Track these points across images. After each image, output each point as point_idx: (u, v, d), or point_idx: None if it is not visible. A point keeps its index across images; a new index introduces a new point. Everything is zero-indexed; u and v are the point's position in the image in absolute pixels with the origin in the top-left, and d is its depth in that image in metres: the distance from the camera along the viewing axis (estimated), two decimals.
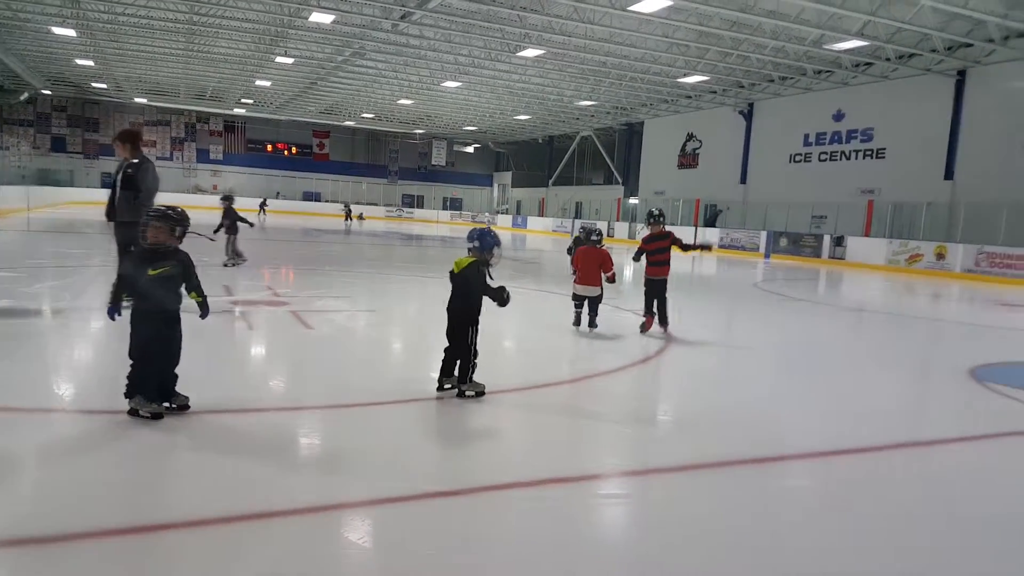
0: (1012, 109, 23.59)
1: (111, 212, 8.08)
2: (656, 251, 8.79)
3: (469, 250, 5.47)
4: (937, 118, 25.86)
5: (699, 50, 26.49)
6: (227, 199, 14.20)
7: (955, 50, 23.72)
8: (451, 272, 5.44)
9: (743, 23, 22.72)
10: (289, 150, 57.95)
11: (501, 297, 5.35)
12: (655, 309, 8.80)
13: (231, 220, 14.03)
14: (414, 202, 61.23)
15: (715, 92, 33.64)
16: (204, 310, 4.78)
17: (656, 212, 9.03)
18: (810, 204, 30.00)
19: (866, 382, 7.48)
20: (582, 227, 9.67)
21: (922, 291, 18.81)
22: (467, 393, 5.43)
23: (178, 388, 4.66)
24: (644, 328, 8.84)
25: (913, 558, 3.39)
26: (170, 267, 4.53)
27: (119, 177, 8.01)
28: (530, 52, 27.32)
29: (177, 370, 4.64)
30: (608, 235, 38.31)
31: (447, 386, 5.50)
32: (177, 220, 4.58)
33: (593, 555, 3.21)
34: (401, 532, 3.30)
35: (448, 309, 5.45)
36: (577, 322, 8.87)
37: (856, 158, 29.43)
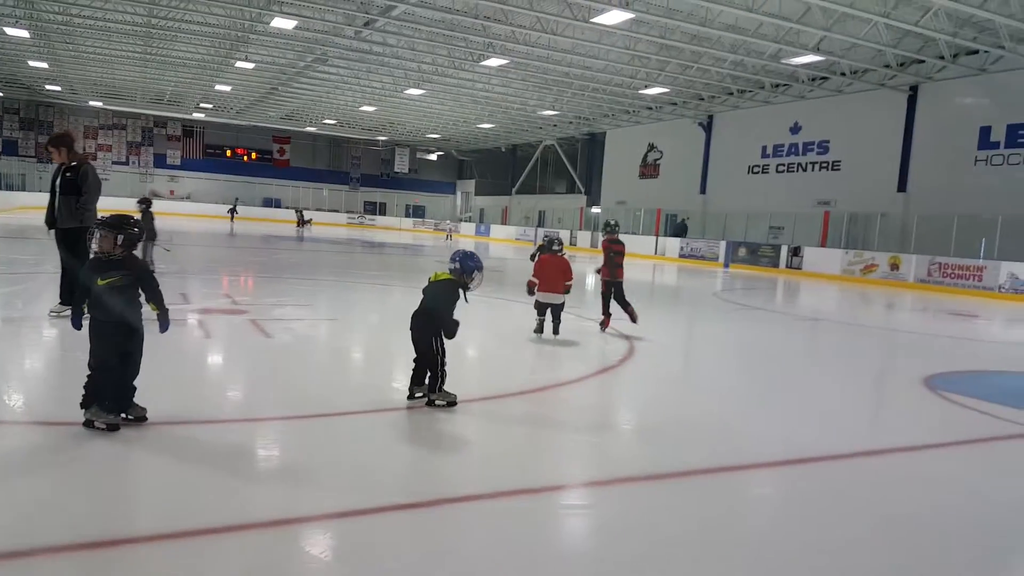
0: (961, 124, 24.36)
1: (52, 219, 7.86)
2: (616, 254, 9.63)
3: (450, 270, 5.50)
4: (890, 132, 26.58)
5: (660, 62, 26.87)
6: (144, 202, 13.03)
7: (907, 66, 24.43)
8: (428, 283, 5.54)
9: (703, 37, 23.11)
10: (249, 155, 57.21)
11: (452, 330, 5.33)
12: (610, 311, 9.56)
13: (148, 225, 13.11)
14: (376, 209, 60.86)
15: (675, 104, 34.13)
16: (163, 323, 4.58)
17: (613, 222, 10.11)
18: (768, 214, 30.58)
19: (823, 391, 7.62)
20: (545, 236, 9.90)
21: (877, 301, 19.27)
22: (437, 403, 5.39)
23: (136, 399, 4.55)
24: (603, 326, 9.53)
25: (874, 566, 3.45)
26: (119, 277, 4.36)
27: (58, 182, 7.81)
28: (493, 61, 27.41)
29: (135, 381, 4.53)
30: (571, 244, 38.57)
31: (418, 395, 5.47)
32: (119, 228, 4.39)
33: (559, 567, 3.21)
34: (366, 545, 3.25)
35: (413, 317, 5.45)
36: (540, 329, 8.93)
37: (813, 170, 30.09)
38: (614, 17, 20.79)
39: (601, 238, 10.55)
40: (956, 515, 4.17)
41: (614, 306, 9.63)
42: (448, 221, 52.02)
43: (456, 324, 5.35)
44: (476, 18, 22.49)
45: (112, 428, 4.36)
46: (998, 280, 21.06)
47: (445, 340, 5.39)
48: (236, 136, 55.65)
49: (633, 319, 9.65)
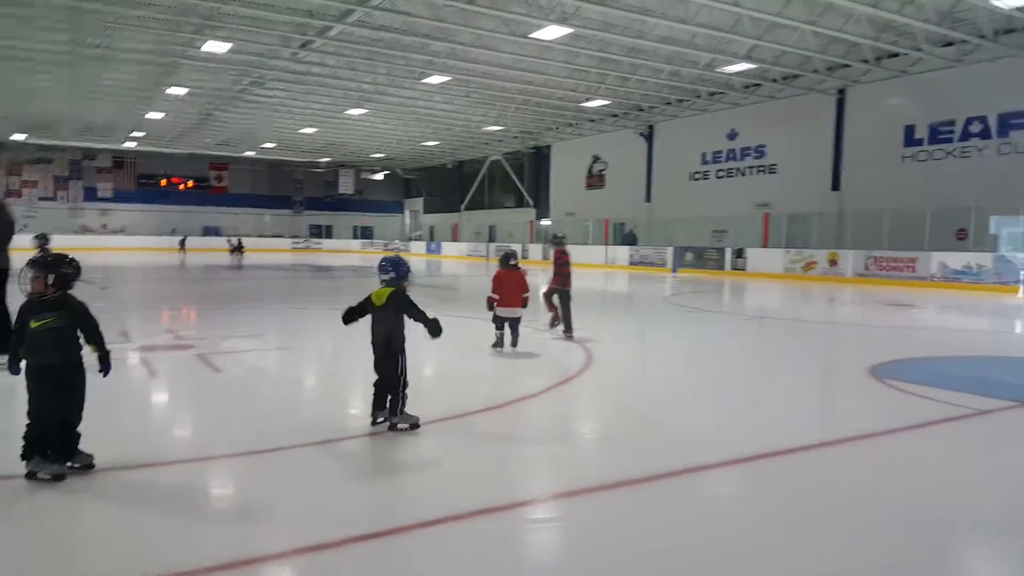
0: (887, 124, 25.33)
1: None
2: (564, 264, 10.36)
3: (384, 281, 5.40)
4: (822, 134, 27.48)
5: (599, 75, 27.26)
6: (41, 238, 12.64)
7: (835, 70, 25.30)
8: (371, 305, 5.37)
9: (640, 49, 23.53)
10: (185, 184, 55.79)
11: (436, 328, 5.33)
12: (560, 316, 10.29)
13: None
14: (322, 232, 60.06)
15: (617, 115, 34.64)
16: (104, 365, 4.39)
17: (560, 234, 10.90)
18: (711, 219, 31.20)
19: (776, 387, 7.78)
20: (501, 251, 10.16)
21: (819, 296, 19.82)
22: (400, 426, 5.33)
23: (81, 445, 4.36)
24: (553, 322, 10.41)
25: (843, 557, 3.51)
26: (53, 319, 4.18)
27: None
28: (435, 79, 27.42)
29: (79, 427, 4.34)
30: (523, 257, 38.62)
31: (380, 419, 5.40)
32: (49, 267, 4.22)
33: None
34: None
35: (373, 343, 5.37)
36: (499, 343, 9.02)
37: (751, 174, 30.87)
38: (552, 32, 21.02)
39: (551, 250, 10.99)
40: (915, 498, 4.28)
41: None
42: (396, 241, 51.70)
43: (437, 320, 5.34)
44: (415, 36, 22.47)
45: (57, 478, 4.18)
46: (930, 270, 21.92)
47: (407, 362, 5.35)
48: (171, 165, 54.22)
49: (567, 330, 10.12)
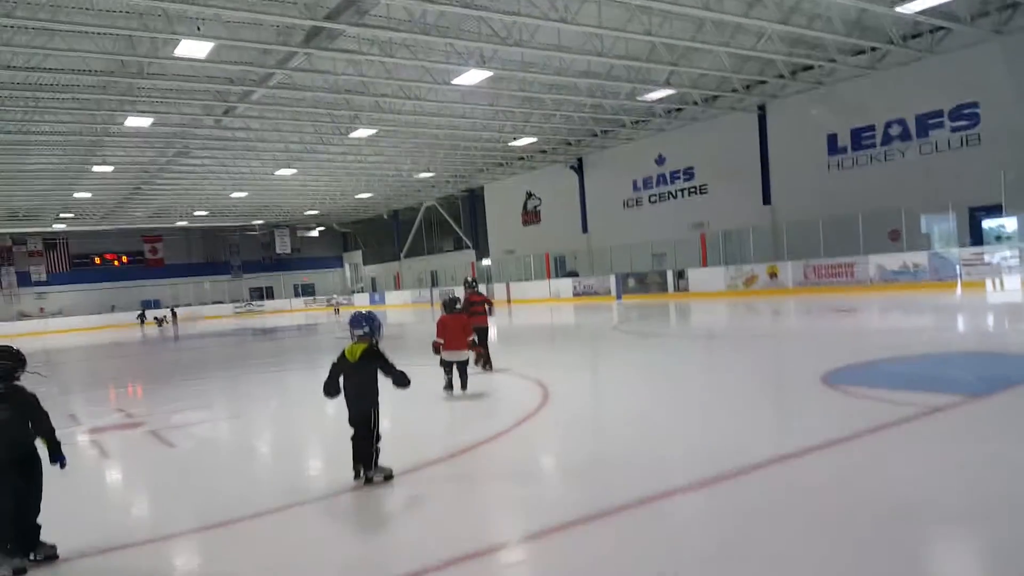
0: (810, 134, 26.20)
1: None
2: (478, 304, 11.20)
3: (357, 336, 5.45)
4: (747, 150, 28.34)
5: (524, 114, 27.72)
6: None
7: (753, 88, 26.24)
8: (345, 361, 5.41)
9: (561, 85, 24.06)
10: (119, 259, 54.39)
11: (405, 381, 5.44)
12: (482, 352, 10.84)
13: None
14: (263, 294, 58.99)
15: (545, 151, 35.21)
16: (54, 457, 4.29)
17: (471, 280, 12.26)
18: (649, 243, 31.74)
19: (732, 405, 7.87)
20: (443, 297, 10.34)
21: (763, 310, 20.28)
22: (375, 479, 5.33)
23: (42, 537, 4.19)
24: (477, 361, 10.66)
25: (816, 566, 3.54)
26: (1, 411, 4.08)
27: None
28: (362, 132, 27.47)
29: (38, 518, 4.18)
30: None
31: (362, 473, 5.40)
32: None
33: None
34: None
35: (347, 398, 5.40)
36: (449, 386, 9.13)
37: (682, 196, 31.61)
38: (473, 77, 21.36)
39: (467, 292, 11.73)
40: (880, 499, 4.36)
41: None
42: (334, 296, 51.14)
43: (404, 374, 5.44)
44: (338, 93, 22.54)
45: (19, 573, 4.02)
46: (868, 273, 22.64)
47: (380, 416, 5.39)
48: (103, 241, 52.84)
49: (486, 364, 10.86)
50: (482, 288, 13.26)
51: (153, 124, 24.16)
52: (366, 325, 5.48)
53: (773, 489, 4.79)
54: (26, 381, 4.38)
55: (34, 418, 4.23)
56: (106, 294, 52.20)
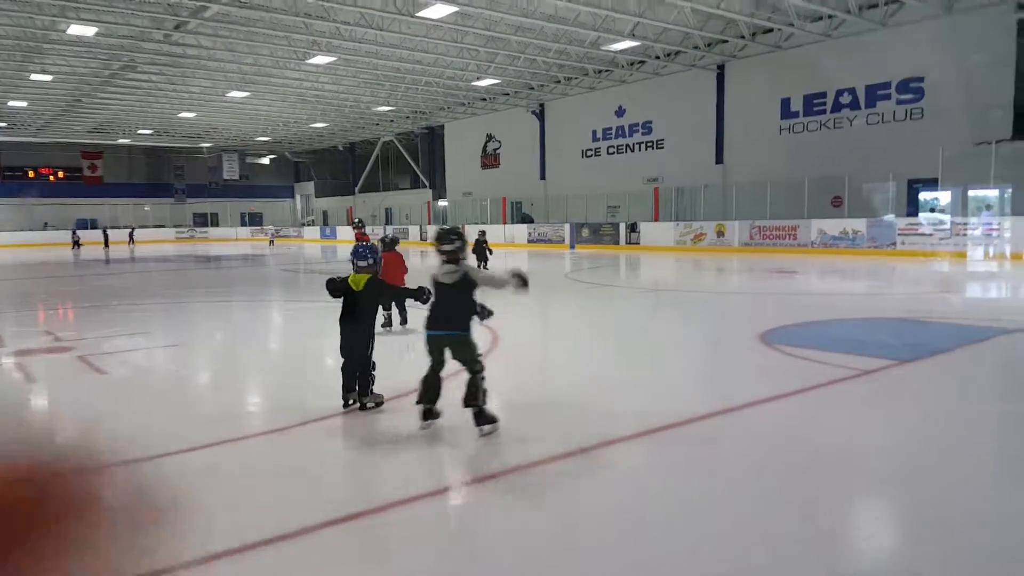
0: (765, 97, 26.55)
1: None
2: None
3: (360, 268, 5.64)
4: (704, 109, 28.51)
5: (488, 54, 27.20)
6: None
7: (714, 47, 26.25)
8: (349, 289, 5.55)
9: (527, 28, 23.64)
10: (55, 175, 52.07)
11: (424, 296, 5.24)
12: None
13: None
14: (207, 220, 57.45)
15: (508, 94, 34.72)
16: None
17: (358, 221, 13.17)
18: (604, 195, 31.89)
19: (674, 358, 8.08)
20: (384, 236, 10.62)
21: (709, 267, 20.67)
22: (368, 405, 5.58)
23: None
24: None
25: (751, 517, 3.70)
26: None
27: None
28: (320, 59, 26.59)
29: None
30: (421, 239, 38.42)
31: (352, 401, 5.60)
32: None
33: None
34: None
35: (344, 324, 5.59)
36: (388, 323, 9.44)
37: (639, 150, 31.71)
38: (439, 11, 20.79)
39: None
40: (811, 456, 4.57)
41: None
42: (270, 227, 50.21)
43: (424, 289, 5.27)
44: (297, 16, 21.70)
45: None
46: (810, 237, 23.24)
47: (375, 345, 5.61)
48: (39, 154, 50.44)
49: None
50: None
51: (97, 34, 22.96)
52: (370, 257, 5.71)
53: (709, 442, 4.96)
54: None
55: None
56: (39, 210, 50.09)
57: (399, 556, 3.37)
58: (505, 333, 9.07)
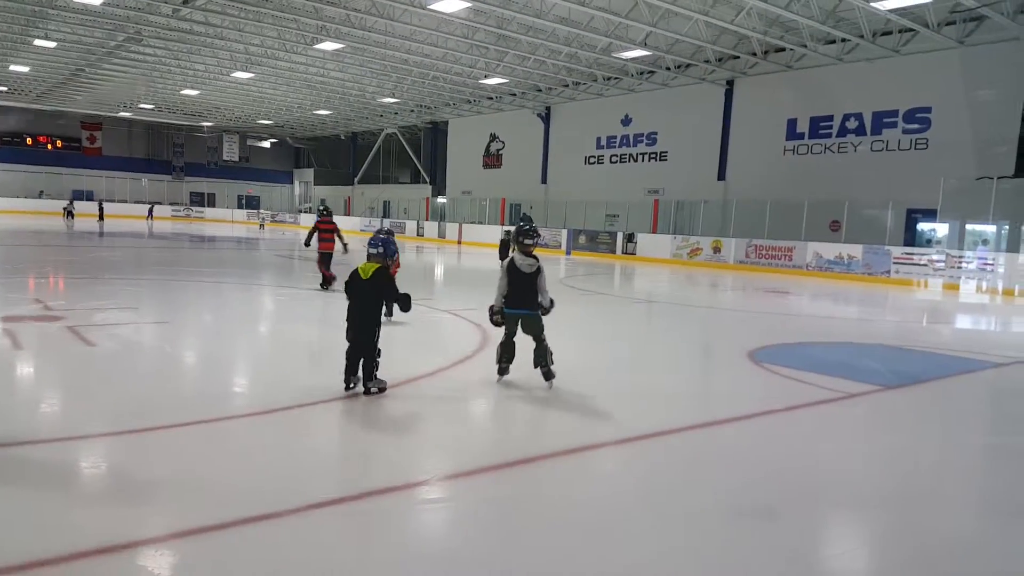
0: (772, 116, 26.59)
1: None
2: (326, 231, 12.99)
3: (371, 256, 5.85)
4: (710, 124, 28.54)
5: (498, 52, 27.16)
6: None
7: (725, 62, 26.29)
8: (357, 277, 5.75)
9: (539, 28, 23.61)
10: (53, 143, 51.62)
11: (408, 303, 5.80)
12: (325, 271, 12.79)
13: None
14: (204, 200, 57.11)
15: (515, 95, 34.68)
16: None
17: (322, 208, 13.82)
18: (604, 203, 31.88)
19: (660, 370, 8.05)
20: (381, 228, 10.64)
21: (702, 282, 20.67)
22: (372, 390, 5.72)
23: None
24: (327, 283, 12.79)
25: (720, 528, 3.67)
26: None
27: None
28: (328, 45, 26.48)
29: None
30: (418, 235, 38.34)
31: (352, 385, 5.74)
32: None
33: (416, 566, 3.14)
34: (213, 565, 3.03)
35: (353, 311, 5.75)
36: (388, 313, 9.25)
37: (642, 160, 31.73)
38: (451, 5, 20.73)
39: (318, 218, 13.35)
40: (787, 474, 4.53)
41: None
42: (261, 211, 50.06)
43: (408, 296, 5.82)
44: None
45: None
46: (806, 259, 23.28)
47: (380, 331, 5.75)
48: (38, 122, 50.04)
49: (327, 285, 12.70)
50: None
51: (105, 3, 22.82)
52: (380, 246, 5.95)
53: (687, 454, 4.95)
54: None
55: None
56: (35, 177, 49.67)
57: (393, 537, 3.32)
58: (495, 334, 9.01)
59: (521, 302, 6.33)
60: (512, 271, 6.31)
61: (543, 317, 6.37)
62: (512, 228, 10.48)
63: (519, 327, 6.35)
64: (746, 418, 5.83)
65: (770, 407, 6.19)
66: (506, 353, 6.45)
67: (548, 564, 3.23)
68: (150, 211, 45.68)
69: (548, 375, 6.37)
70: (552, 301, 6.42)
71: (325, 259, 13.02)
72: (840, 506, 4.22)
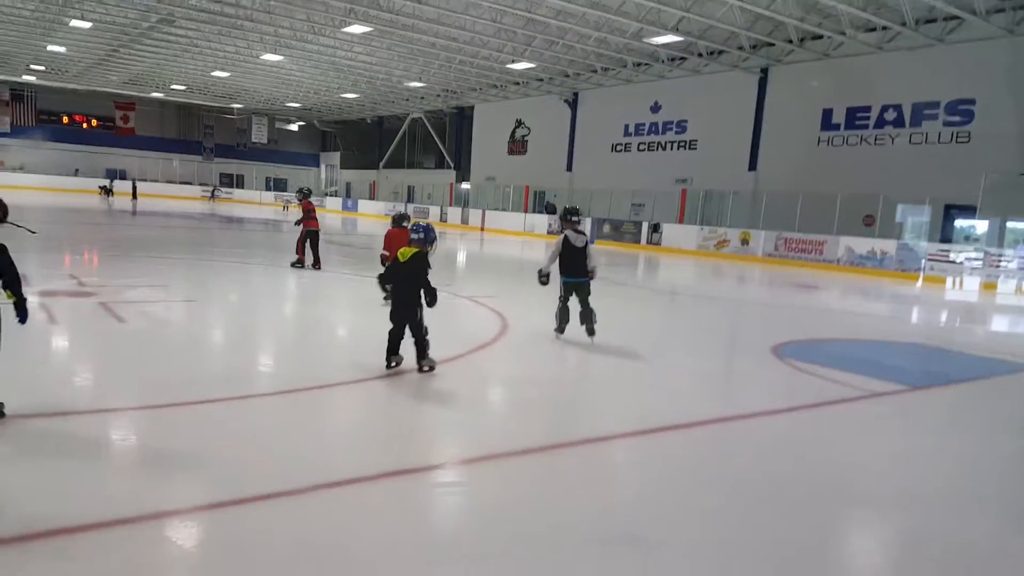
0: (806, 106, 26.03)
1: None
2: (311, 210, 13.40)
3: (412, 241, 6.11)
4: (742, 113, 28.05)
5: (526, 37, 26.97)
6: None
7: (759, 48, 25.81)
8: (397, 261, 6.02)
9: (568, 12, 23.38)
10: (89, 122, 52.34)
11: (434, 297, 5.96)
12: (310, 252, 13.16)
13: None
14: (233, 181, 57.66)
15: (542, 80, 34.44)
16: (20, 312, 4.26)
17: (306, 190, 14.18)
18: (630, 192, 31.60)
19: (682, 362, 7.96)
20: (394, 212, 11.11)
21: (729, 274, 20.47)
22: (425, 368, 6.00)
23: None
24: (299, 264, 13.13)
25: (736, 523, 3.63)
26: None
27: None
28: (356, 28, 26.47)
29: None
30: (441, 220, 38.37)
31: (393, 364, 6.01)
32: None
33: (435, 550, 3.15)
34: (238, 538, 3.06)
35: (394, 293, 6.11)
36: (389, 297, 9.38)
37: (671, 149, 31.36)
38: None
39: (299, 199, 13.85)
40: (806, 472, 4.47)
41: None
42: (284, 194, 50.35)
43: (436, 291, 5.97)
44: None
45: None
46: (837, 253, 22.90)
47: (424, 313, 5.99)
48: (74, 101, 50.72)
49: (316, 263, 13.07)
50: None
51: None
52: (421, 232, 6.20)
53: (704, 447, 4.92)
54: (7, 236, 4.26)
55: (4, 272, 4.24)
56: (71, 156, 50.52)
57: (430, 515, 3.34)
58: (515, 322, 9.03)
59: (575, 271, 7.74)
60: (567, 245, 7.71)
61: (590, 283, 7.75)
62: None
63: (572, 293, 7.70)
64: (767, 414, 5.77)
65: (792, 403, 6.11)
66: (563, 316, 7.87)
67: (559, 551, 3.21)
68: (213, 192, 46.79)
69: (591, 331, 7.75)
70: (595, 268, 7.82)
71: (314, 237, 13.34)
72: (859, 503, 4.15)
